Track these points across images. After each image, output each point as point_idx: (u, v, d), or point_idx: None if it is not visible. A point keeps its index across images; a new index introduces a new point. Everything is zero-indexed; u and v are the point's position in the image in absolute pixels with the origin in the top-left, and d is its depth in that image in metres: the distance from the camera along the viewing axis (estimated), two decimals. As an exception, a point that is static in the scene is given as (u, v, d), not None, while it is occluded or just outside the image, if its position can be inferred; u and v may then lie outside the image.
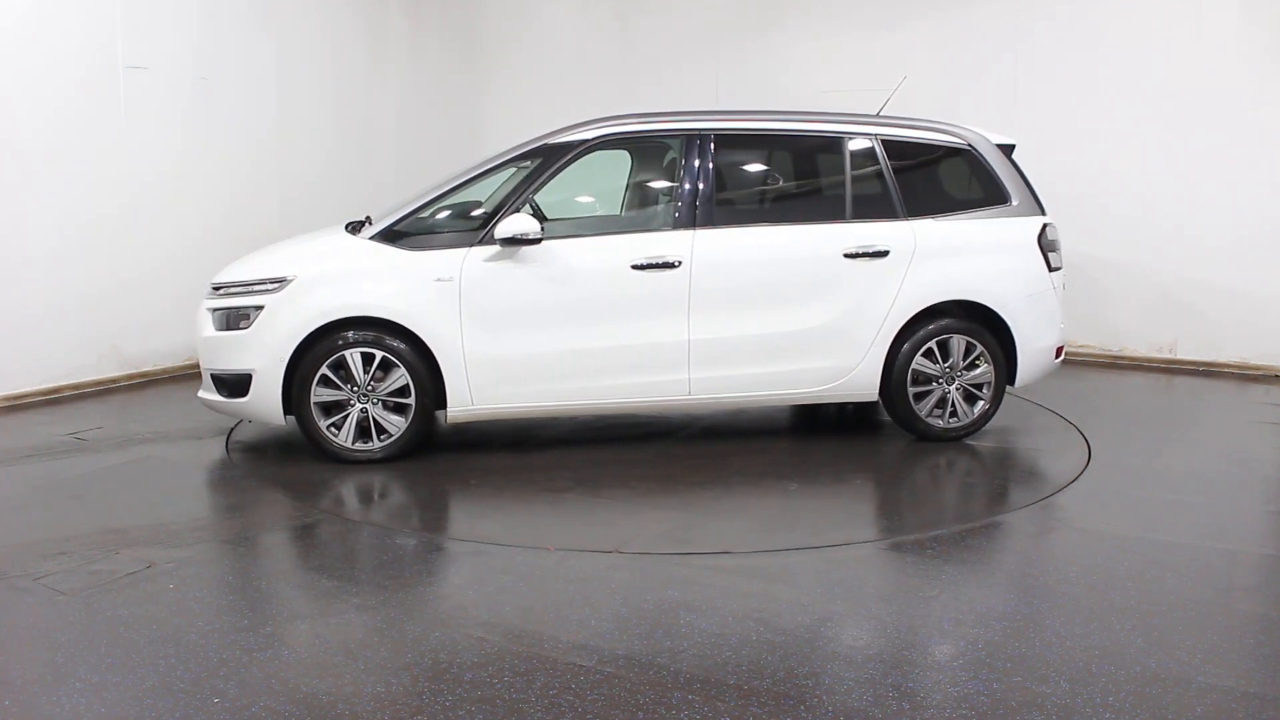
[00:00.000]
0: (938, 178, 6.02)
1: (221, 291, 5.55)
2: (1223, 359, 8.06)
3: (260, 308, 5.36)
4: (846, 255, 5.64)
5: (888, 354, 5.73)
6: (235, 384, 5.42)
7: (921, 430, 5.86)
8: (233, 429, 6.17)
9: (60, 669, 3.22)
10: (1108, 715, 2.97)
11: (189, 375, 7.74)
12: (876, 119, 5.96)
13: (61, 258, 6.95)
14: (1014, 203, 5.89)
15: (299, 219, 8.18)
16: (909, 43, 8.78)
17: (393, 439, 5.44)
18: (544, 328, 5.45)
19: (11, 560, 4.09)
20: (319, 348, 5.33)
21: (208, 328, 5.50)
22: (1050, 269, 5.87)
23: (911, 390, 5.78)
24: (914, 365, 5.74)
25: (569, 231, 5.78)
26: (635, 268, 5.47)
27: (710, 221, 5.61)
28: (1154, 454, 5.87)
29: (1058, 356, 6.04)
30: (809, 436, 6.25)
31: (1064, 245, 6.24)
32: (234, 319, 5.42)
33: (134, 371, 7.51)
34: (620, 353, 5.51)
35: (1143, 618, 3.62)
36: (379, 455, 5.44)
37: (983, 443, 5.89)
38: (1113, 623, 3.58)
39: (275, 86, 8.46)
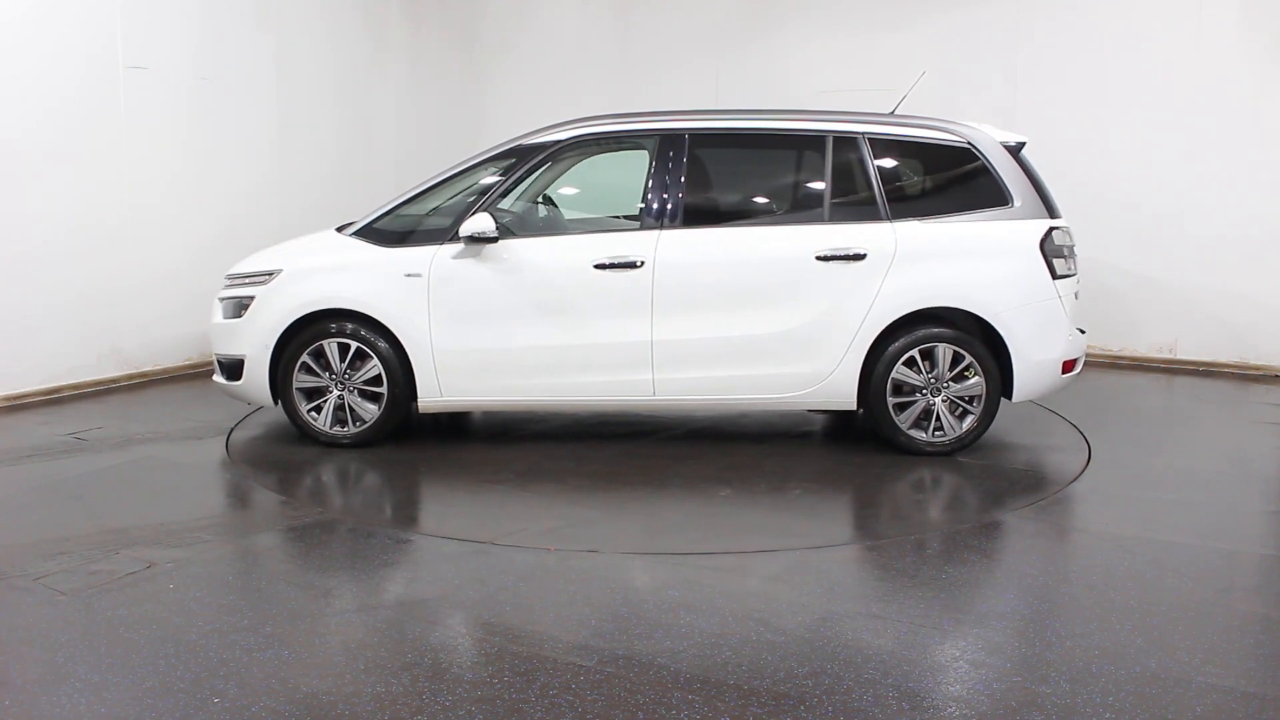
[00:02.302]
0: (931, 178, 5.81)
1: (229, 283, 5.94)
2: (1223, 359, 8.06)
3: (253, 298, 5.75)
4: (819, 258, 5.45)
5: (866, 361, 5.49)
6: (232, 368, 5.83)
7: (903, 443, 5.58)
8: (232, 429, 6.18)
9: (60, 669, 3.22)
10: (1108, 715, 2.97)
11: (189, 375, 7.75)
12: (863, 117, 5.74)
13: (62, 258, 6.95)
14: (1015, 204, 5.53)
15: (299, 218, 8.19)
16: (910, 44, 8.78)
17: (366, 425, 5.71)
18: (507, 324, 5.56)
19: (11, 560, 4.09)
20: (302, 336, 5.67)
21: (217, 315, 5.92)
22: (1055, 276, 5.48)
23: (892, 400, 5.52)
24: (895, 374, 5.48)
25: (536, 230, 5.90)
26: (598, 267, 5.50)
27: (677, 222, 5.57)
28: (1154, 454, 5.87)
29: (1067, 371, 5.63)
30: (798, 444, 6.11)
31: (1065, 245, 6.04)
32: (236, 308, 5.83)
33: (134, 371, 7.51)
34: (583, 351, 5.55)
35: (1143, 618, 3.62)
36: (352, 440, 5.72)
37: (982, 442, 5.86)
38: (1113, 623, 3.59)
39: (275, 86, 8.46)
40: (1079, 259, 5.82)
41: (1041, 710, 3.00)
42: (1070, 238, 5.67)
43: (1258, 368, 7.93)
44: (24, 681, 3.15)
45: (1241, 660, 3.34)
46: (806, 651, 3.37)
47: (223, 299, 5.89)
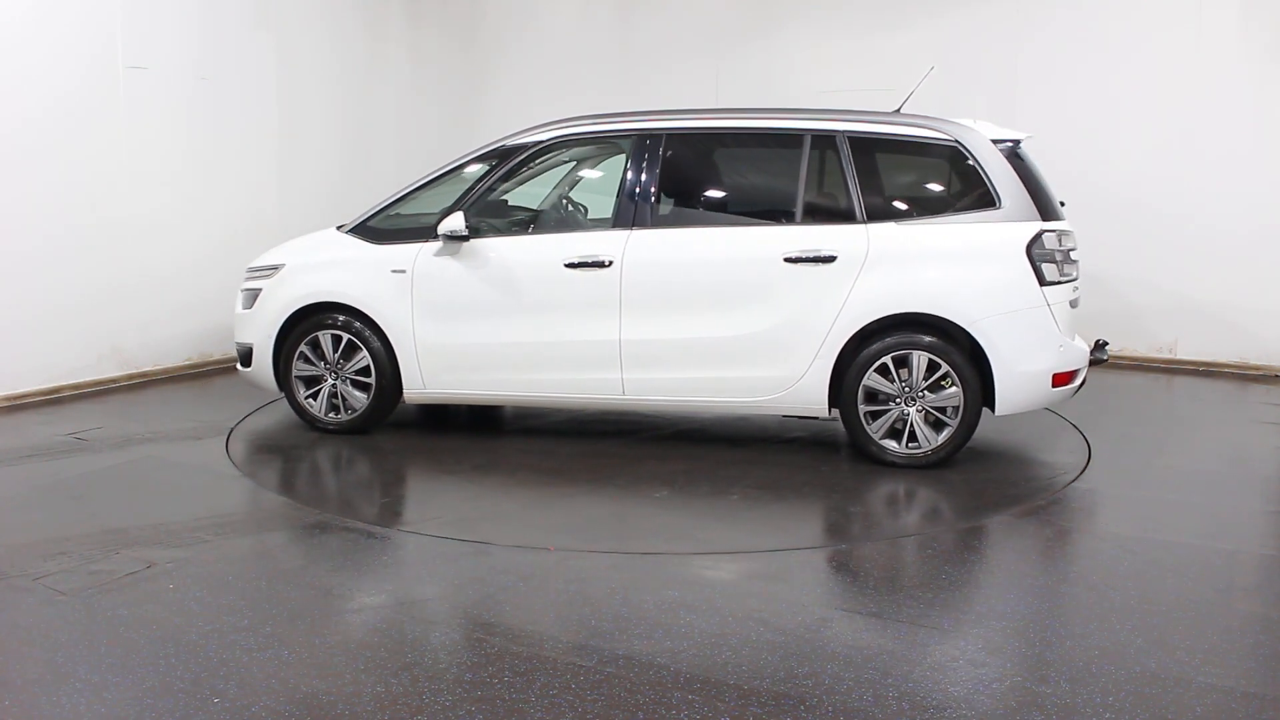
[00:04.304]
0: (913, 177, 5.62)
1: (247, 275, 6.27)
2: (1223, 359, 8.06)
3: (260, 290, 6.09)
4: (787, 260, 5.31)
5: (836, 368, 5.31)
6: (245, 355, 6.18)
7: (874, 453, 5.36)
8: (232, 429, 6.18)
9: (60, 669, 3.22)
10: (1108, 715, 2.97)
11: (189, 375, 7.75)
12: (844, 115, 5.54)
13: (62, 258, 6.94)
14: (1002, 206, 5.22)
15: (300, 218, 8.18)
16: (911, 43, 8.77)
17: (357, 414, 5.96)
18: (483, 320, 5.69)
19: (11, 560, 4.09)
20: (301, 327, 5.96)
21: (238, 305, 6.25)
22: (1043, 283, 5.16)
23: (865, 409, 5.32)
24: (866, 382, 5.28)
25: (512, 229, 5.96)
26: (569, 266, 5.53)
27: (648, 222, 5.55)
28: (1154, 454, 5.87)
29: (1060, 384, 5.29)
30: (780, 450, 5.98)
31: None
32: (250, 299, 6.16)
33: (134, 371, 7.50)
34: (554, 348, 5.62)
35: (1143, 618, 3.62)
36: (344, 427, 5.98)
37: (981, 442, 5.86)
38: (1113, 623, 3.59)
39: (276, 86, 8.45)
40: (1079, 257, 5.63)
41: (1041, 710, 3.00)
42: (1066, 242, 5.33)
43: (1258, 368, 7.93)
44: (24, 681, 3.15)
45: (1241, 660, 3.34)
46: (806, 651, 3.37)
47: (242, 290, 6.23)
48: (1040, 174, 5.50)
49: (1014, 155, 5.41)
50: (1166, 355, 8.28)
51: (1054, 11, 8.37)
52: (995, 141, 5.38)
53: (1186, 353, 8.20)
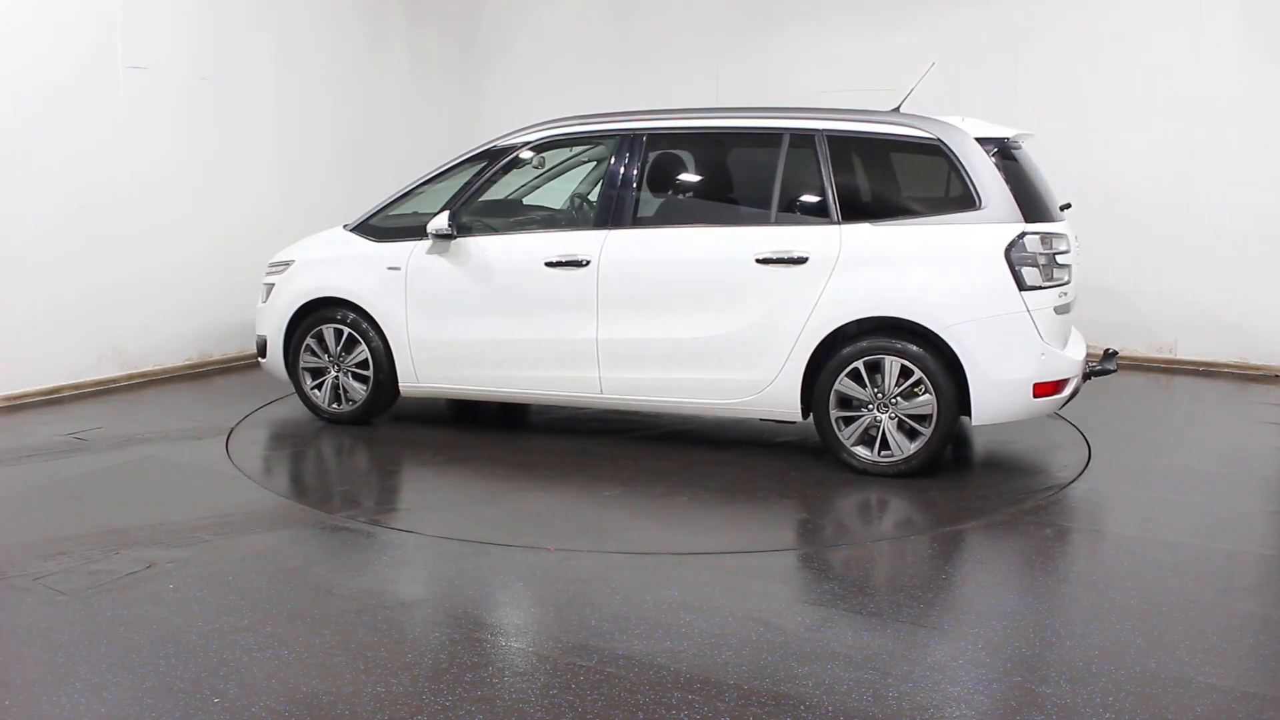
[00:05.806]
0: (892, 177, 5.44)
1: (267, 270, 6.49)
2: (1223, 359, 8.06)
3: (274, 285, 6.35)
4: (759, 260, 5.21)
5: (809, 372, 5.20)
6: (261, 346, 6.43)
7: (845, 460, 5.22)
8: (232, 429, 6.18)
9: (60, 669, 3.22)
10: (1108, 715, 2.98)
11: (189, 375, 7.75)
12: (824, 113, 5.41)
13: (62, 258, 6.94)
14: (983, 207, 5.00)
15: (300, 218, 8.18)
16: (912, 43, 8.76)
17: (357, 405, 6.17)
18: (469, 317, 5.80)
19: (11, 560, 4.09)
20: (307, 321, 6.21)
21: (259, 299, 6.48)
22: (1023, 287, 4.94)
23: (837, 414, 5.19)
24: (838, 387, 5.15)
25: (499, 228, 6.01)
26: (549, 265, 5.59)
27: (627, 221, 5.56)
28: (1154, 454, 5.87)
29: (1043, 394, 5.05)
30: (765, 453, 5.88)
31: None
32: (267, 293, 6.41)
33: (134, 371, 7.50)
34: (535, 346, 5.69)
35: (1143, 618, 3.62)
36: (346, 417, 6.21)
37: (982, 441, 5.87)
38: (1113, 623, 3.59)
39: (276, 86, 8.45)
40: (1078, 257, 5.46)
41: (1041, 710, 3.00)
42: (1055, 244, 5.08)
43: (1258, 368, 7.92)
44: (24, 681, 3.16)
45: (1241, 660, 3.35)
46: (806, 651, 3.37)
47: (263, 284, 6.47)
48: (1036, 174, 5.36)
49: (1005, 154, 5.21)
50: (1166, 355, 8.28)
51: (1055, 12, 8.36)
52: (983, 140, 5.16)
53: (1186, 353, 8.20)
